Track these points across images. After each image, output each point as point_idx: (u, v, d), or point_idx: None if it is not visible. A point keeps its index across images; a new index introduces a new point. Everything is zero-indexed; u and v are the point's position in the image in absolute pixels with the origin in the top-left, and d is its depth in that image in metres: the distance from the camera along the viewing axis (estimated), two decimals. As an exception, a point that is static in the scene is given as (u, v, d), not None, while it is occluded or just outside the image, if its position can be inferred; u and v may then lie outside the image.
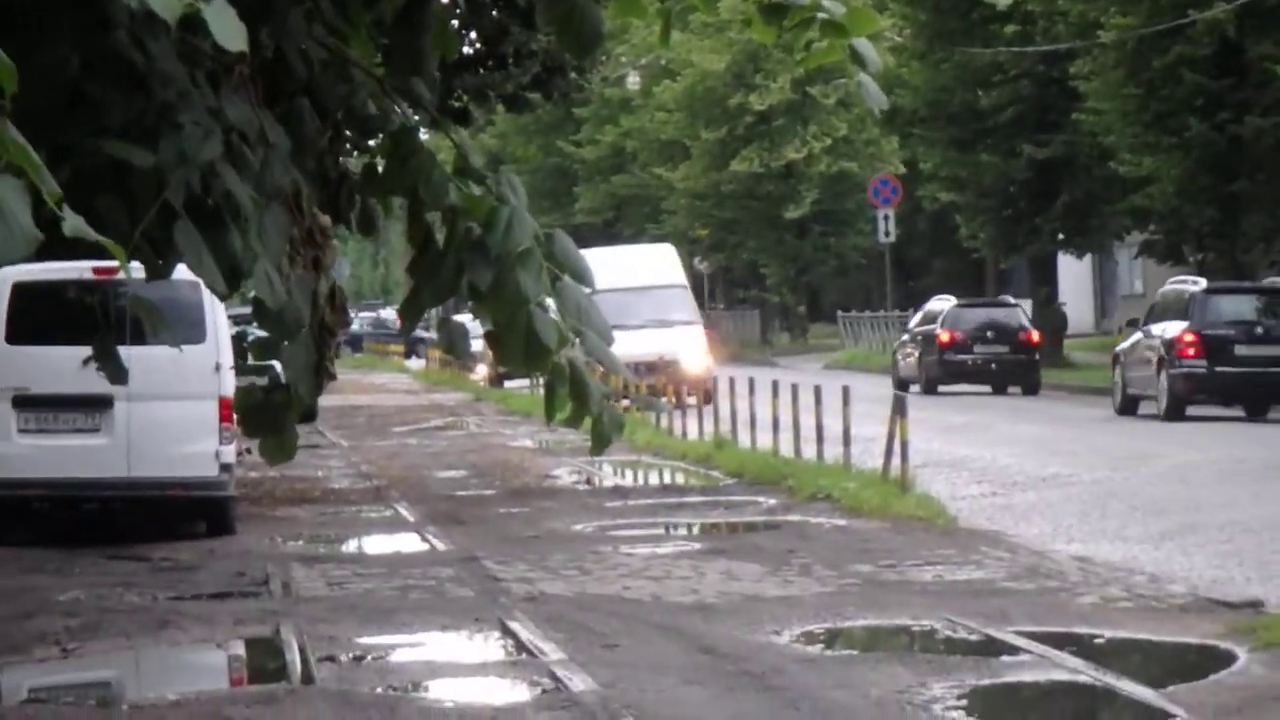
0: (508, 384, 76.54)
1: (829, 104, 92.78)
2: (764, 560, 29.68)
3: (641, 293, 64.36)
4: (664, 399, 54.90)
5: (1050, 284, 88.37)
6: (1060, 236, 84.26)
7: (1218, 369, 56.86)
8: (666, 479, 43.35)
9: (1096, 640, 22.87)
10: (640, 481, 42.96)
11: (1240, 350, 57.48)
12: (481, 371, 79.62)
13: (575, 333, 8.08)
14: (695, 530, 34.29)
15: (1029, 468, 42.50)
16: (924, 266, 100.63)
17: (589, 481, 43.05)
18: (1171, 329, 58.02)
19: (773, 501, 37.65)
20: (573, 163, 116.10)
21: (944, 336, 69.87)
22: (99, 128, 6.97)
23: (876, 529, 32.73)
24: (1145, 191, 71.01)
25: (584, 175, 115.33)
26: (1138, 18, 66.03)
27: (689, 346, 62.89)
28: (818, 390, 43.74)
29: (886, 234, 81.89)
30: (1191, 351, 56.63)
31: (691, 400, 55.09)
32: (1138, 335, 60.88)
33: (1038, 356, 70.53)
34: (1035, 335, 71.57)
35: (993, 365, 69.55)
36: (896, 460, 37.60)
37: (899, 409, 37.87)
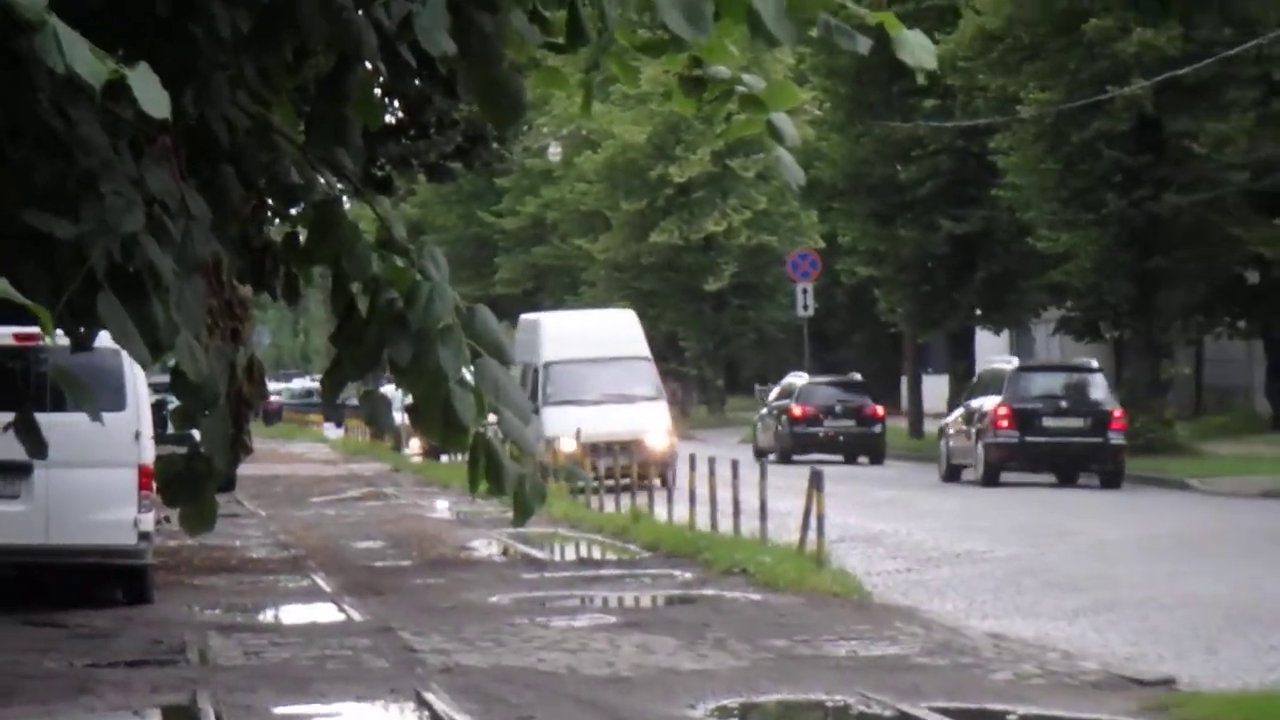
0: (444, 458, 74.14)
1: (749, 177, 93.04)
2: (679, 634, 29.70)
3: (603, 364, 60.82)
4: (611, 478, 51.89)
5: (968, 359, 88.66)
6: (978, 311, 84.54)
7: (1027, 439, 62.61)
8: (583, 551, 43.40)
9: (1009, 717, 22.95)
10: (557, 554, 42.97)
11: (1047, 422, 63.05)
12: (414, 445, 79.15)
13: (493, 410, 8.08)
14: (611, 603, 34.28)
15: (939, 539, 42.59)
16: (842, 340, 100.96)
17: (506, 553, 43.07)
18: (988, 403, 63.57)
19: (688, 575, 37.68)
20: (493, 233, 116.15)
21: (796, 410, 72.48)
22: (22, 195, 6.98)
23: (792, 603, 32.77)
24: (1063, 268, 71.27)
25: (504, 245, 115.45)
26: (1057, 93, 66.31)
27: (653, 425, 58.60)
28: (735, 464, 43.86)
29: (805, 307, 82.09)
30: (1004, 423, 62.31)
31: (656, 482, 52.66)
32: (960, 410, 66.49)
33: (880, 429, 73.19)
34: (880, 410, 74.66)
35: (840, 437, 72.00)
36: (813, 534, 37.70)
37: (816, 483, 37.95)
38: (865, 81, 73.44)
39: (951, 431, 66.75)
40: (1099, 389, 65.41)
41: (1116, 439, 63.15)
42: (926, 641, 28.42)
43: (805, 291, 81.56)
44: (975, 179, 75.41)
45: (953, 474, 63.24)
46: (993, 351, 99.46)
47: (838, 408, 73.16)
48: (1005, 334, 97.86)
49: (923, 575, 36.63)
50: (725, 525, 42.13)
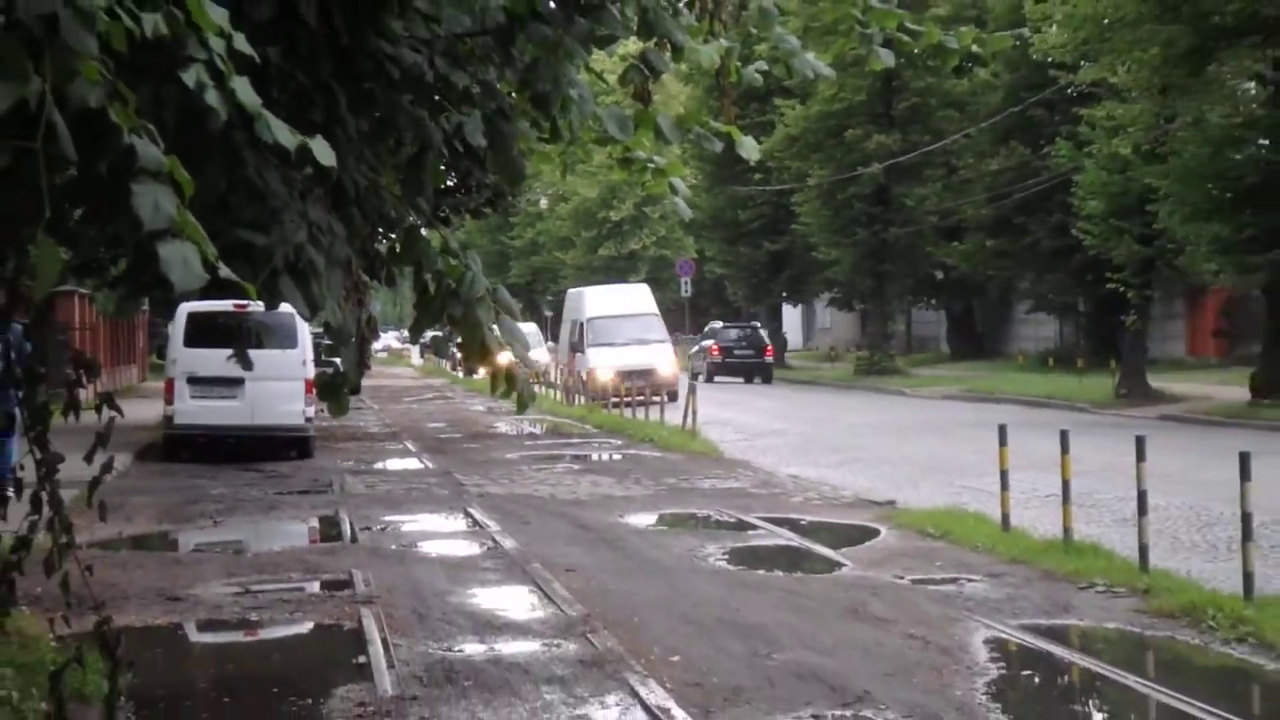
0: (478, 375, 73.45)
1: (656, 216, 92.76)
2: (614, 475, 29.70)
3: (626, 319, 55.82)
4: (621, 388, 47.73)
5: (778, 321, 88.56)
6: (784, 294, 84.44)
7: (725, 360, 69.20)
8: (558, 430, 43.28)
9: (802, 522, 22.94)
10: (545, 431, 42.88)
11: (735, 351, 69.39)
12: (463, 368, 78.82)
13: (509, 344, 8.11)
14: (576, 458, 34.23)
15: (762, 424, 42.59)
16: (708, 312, 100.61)
17: (516, 430, 42.94)
18: (708, 343, 70.44)
19: (619, 442, 37.64)
20: (507, 248, 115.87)
21: (714, 347, 69.70)
22: (235, 220, 6.99)
23: (679, 458, 32.77)
24: (832, 269, 71.33)
25: (514, 256, 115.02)
26: (829, 170, 66.26)
27: (662, 359, 54.02)
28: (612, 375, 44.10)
29: (686, 292, 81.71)
30: (715, 353, 69.16)
31: (663, 397, 47.84)
32: (697, 347, 73.50)
33: (770, 360, 70.13)
34: (770, 347, 71.61)
35: (743, 365, 68.76)
36: (690, 420, 37.73)
37: (692, 391, 38.01)
38: (721, 163, 73.31)
39: (696, 356, 71.21)
40: (759, 335, 71.00)
41: (767, 360, 69.50)
42: (754, 480, 28.41)
43: (686, 282, 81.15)
44: (783, 219, 75.30)
45: (696, 377, 61.36)
46: (792, 320, 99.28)
47: (743, 344, 69.69)
48: (800, 307, 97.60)
49: (753, 443, 36.55)
50: (641, 415, 42.19)
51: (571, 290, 63.85)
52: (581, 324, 56.24)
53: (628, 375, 48.96)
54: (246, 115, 5.49)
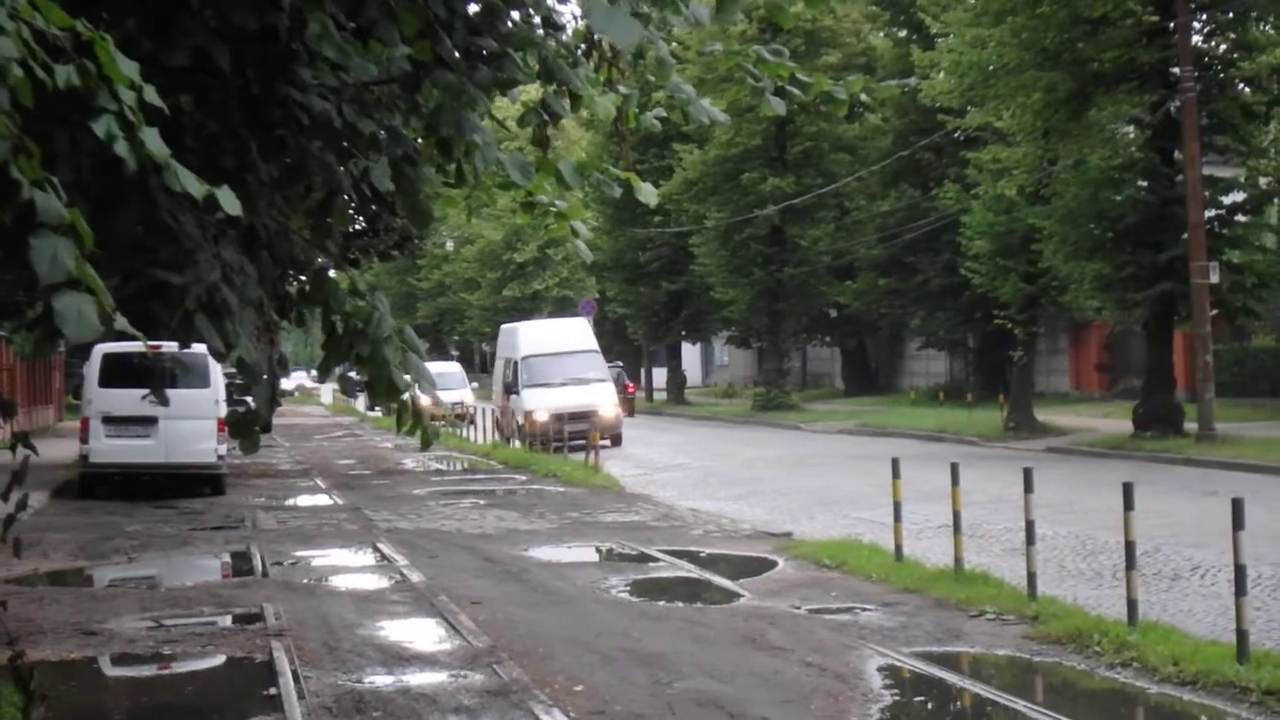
0: (376, 411, 72.59)
1: (559, 258, 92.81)
2: (519, 510, 29.65)
3: (563, 357, 50.20)
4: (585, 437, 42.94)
5: (677, 359, 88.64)
6: (683, 333, 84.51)
7: None
8: (465, 466, 43.19)
9: (702, 554, 22.96)
10: (451, 467, 42.78)
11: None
12: (362, 403, 78.29)
13: (414, 382, 8.11)
14: (481, 493, 34.16)
15: (663, 459, 42.64)
16: (609, 350, 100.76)
17: (423, 467, 42.79)
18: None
19: (524, 478, 37.59)
20: (415, 290, 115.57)
21: None
22: (152, 261, 6.98)
23: (581, 493, 32.76)
24: (729, 308, 71.39)
25: (421, 297, 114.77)
26: (726, 213, 66.40)
27: (603, 399, 48.69)
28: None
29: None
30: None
31: (606, 442, 44.39)
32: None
33: (631, 396, 71.21)
34: (631, 386, 73.93)
35: None
36: (593, 456, 37.72)
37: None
38: (621, 206, 73.44)
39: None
40: (620, 375, 69.39)
41: (628, 395, 69.19)
42: (655, 513, 28.42)
43: (588, 321, 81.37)
44: (681, 260, 75.44)
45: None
46: (691, 357, 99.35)
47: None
48: (698, 345, 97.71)
49: (653, 477, 36.60)
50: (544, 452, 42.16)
51: (505, 326, 58.75)
52: (516, 363, 51.19)
53: (567, 418, 45.38)
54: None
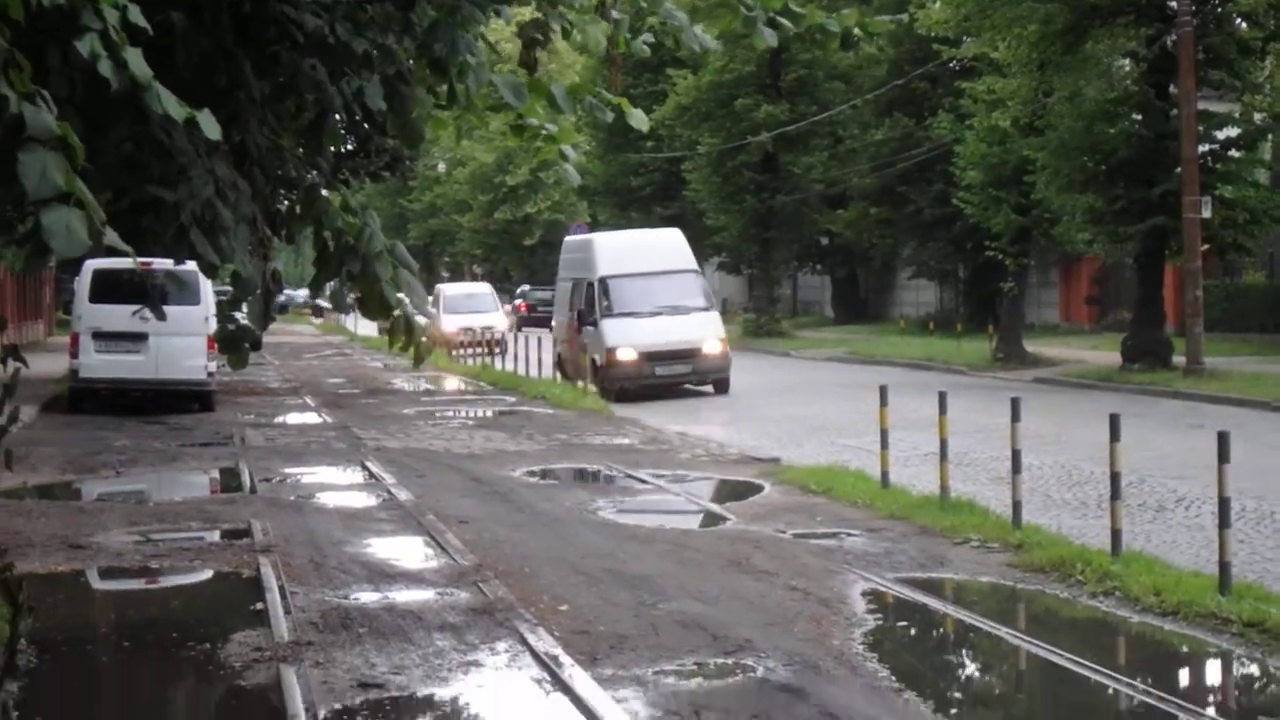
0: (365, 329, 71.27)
1: (551, 182, 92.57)
2: (507, 431, 29.70)
3: (654, 278, 39.05)
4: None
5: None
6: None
7: (531, 315, 66.66)
8: (454, 385, 43.22)
9: (689, 477, 23.05)
10: (440, 387, 42.81)
11: (538, 309, 65.93)
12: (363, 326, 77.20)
13: (405, 298, 8.13)
14: (470, 414, 34.22)
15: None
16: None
17: (412, 387, 42.81)
18: (518, 302, 68.80)
19: (512, 399, 37.59)
20: (406, 211, 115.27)
21: (522, 304, 71.27)
22: (145, 177, 6.99)
23: (570, 415, 32.79)
24: (721, 234, 71.24)
25: (412, 218, 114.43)
26: (719, 139, 66.13)
27: (707, 334, 38.09)
28: (539, 340, 44.04)
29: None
30: (523, 309, 67.96)
31: (708, 389, 38.40)
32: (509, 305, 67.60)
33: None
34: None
35: (546, 318, 66.22)
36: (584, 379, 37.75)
37: (583, 349, 38.03)
38: (614, 131, 73.14)
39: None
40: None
41: None
42: (643, 437, 28.46)
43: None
44: (674, 186, 75.22)
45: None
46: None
47: (547, 303, 64.88)
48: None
49: (642, 401, 36.61)
50: (534, 373, 42.19)
51: (573, 238, 46.95)
52: (592, 284, 39.57)
53: (661, 358, 37.31)
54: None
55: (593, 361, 38.61)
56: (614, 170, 79.49)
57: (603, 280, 39.02)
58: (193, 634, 12.94)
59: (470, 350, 53.32)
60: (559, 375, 41.86)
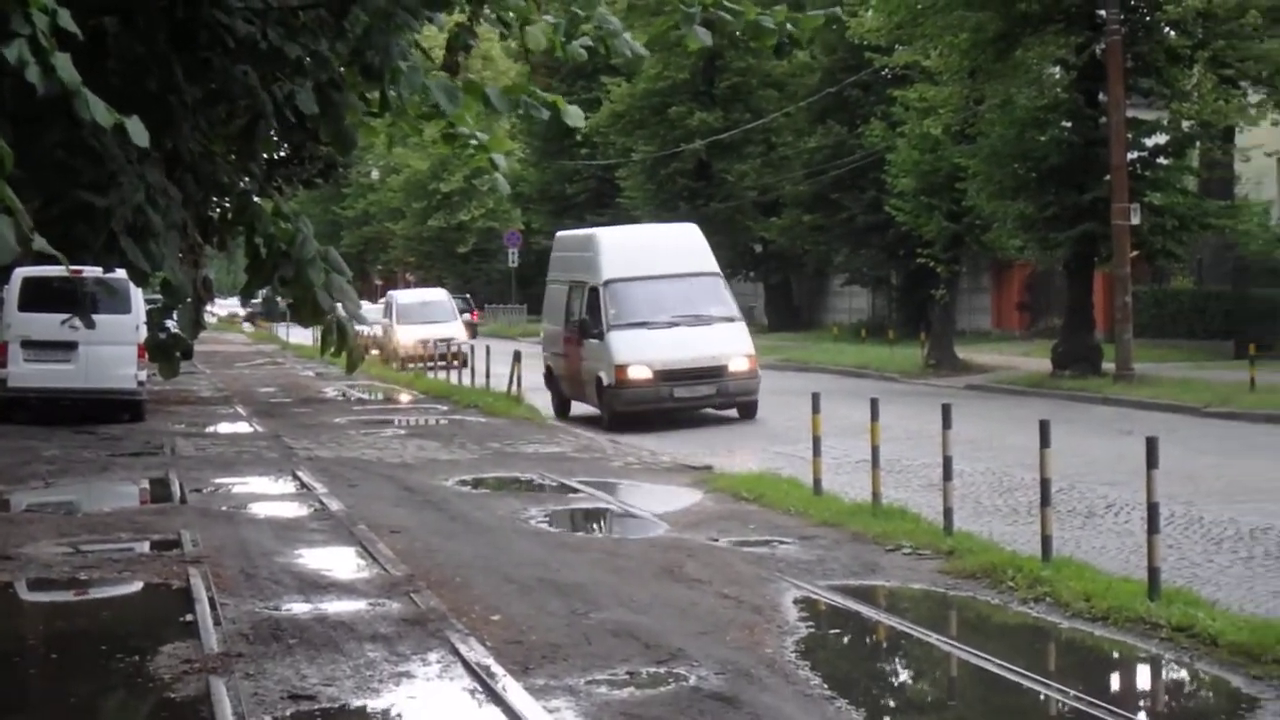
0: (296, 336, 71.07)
1: (485, 189, 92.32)
2: (440, 440, 29.64)
3: (669, 283, 33.06)
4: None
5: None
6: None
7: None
8: (387, 394, 43.12)
9: (621, 485, 23.07)
10: (373, 396, 42.71)
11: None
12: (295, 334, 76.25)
13: (338, 303, 8.12)
14: (403, 423, 34.14)
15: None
16: (536, 281, 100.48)
17: (344, 395, 42.68)
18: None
19: (445, 408, 37.51)
20: (339, 219, 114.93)
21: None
22: (76, 183, 6.95)
23: (503, 424, 32.74)
24: (655, 243, 71.23)
25: (346, 226, 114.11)
26: (653, 146, 66.30)
27: (734, 349, 32.40)
28: (472, 348, 43.91)
29: (513, 262, 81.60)
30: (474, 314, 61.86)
31: (732, 412, 32.83)
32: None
33: (474, 321, 69.52)
34: (476, 313, 72.36)
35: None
36: (515, 386, 37.67)
37: (517, 358, 37.90)
38: (549, 138, 73.30)
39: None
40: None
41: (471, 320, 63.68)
42: (575, 445, 28.45)
43: (513, 253, 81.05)
44: (609, 193, 75.28)
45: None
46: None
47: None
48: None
49: (575, 409, 36.63)
50: (467, 382, 42.11)
51: (566, 235, 40.30)
52: (597, 290, 33.15)
53: (680, 377, 31.49)
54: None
55: (598, 381, 32.49)
56: (549, 177, 79.58)
57: (609, 284, 32.92)
58: (122, 646, 12.88)
59: (427, 364, 48.98)
60: (554, 399, 36.42)
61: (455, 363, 45.32)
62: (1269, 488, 19.46)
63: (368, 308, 67.65)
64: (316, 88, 8.93)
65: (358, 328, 8.76)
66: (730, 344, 32.46)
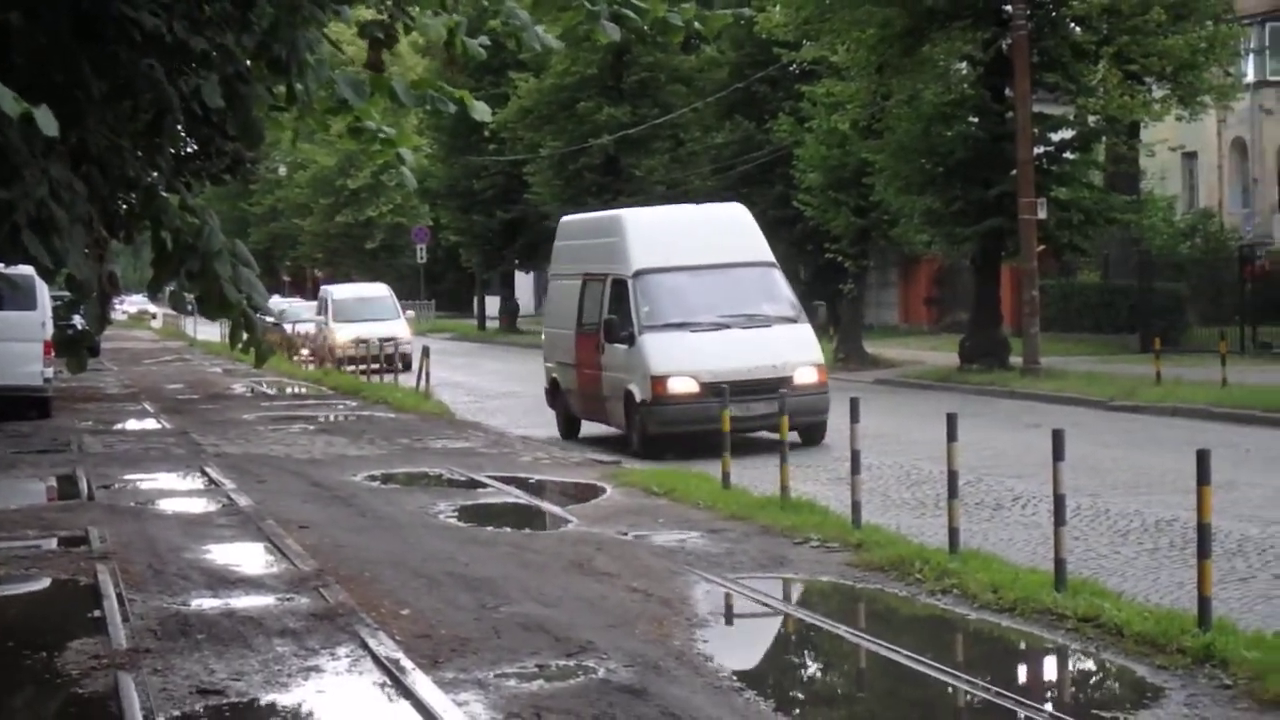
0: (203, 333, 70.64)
1: (393, 185, 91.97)
2: (349, 435, 29.58)
3: (717, 274, 27.06)
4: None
5: (511, 288, 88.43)
6: (517, 261, 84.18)
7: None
8: (296, 390, 42.93)
9: (531, 480, 23.05)
10: (282, 392, 42.53)
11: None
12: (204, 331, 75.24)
13: (245, 297, 8.11)
14: (311, 418, 34.02)
15: (494, 387, 42.65)
16: (443, 277, 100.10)
17: (252, 392, 42.49)
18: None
19: (354, 404, 37.43)
20: (247, 214, 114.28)
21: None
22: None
23: (412, 419, 32.69)
24: (564, 238, 71.14)
25: (254, 222, 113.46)
26: (561, 141, 66.24)
27: (801, 356, 26.17)
28: (380, 343, 43.75)
29: (421, 258, 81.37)
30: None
31: (793, 436, 22.71)
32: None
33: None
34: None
35: None
36: (424, 382, 37.62)
37: (425, 354, 37.86)
38: (457, 134, 73.15)
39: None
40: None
41: None
42: (485, 440, 28.45)
43: (421, 249, 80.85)
44: (517, 189, 75.04)
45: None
46: (525, 286, 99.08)
47: None
48: (532, 274, 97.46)
49: (484, 405, 36.64)
50: (376, 379, 42.01)
51: (577, 219, 34.51)
52: (623, 283, 27.11)
53: (734, 391, 22.39)
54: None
55: (626, 396, 26.44)
56: (456, 173, 79.27)
57: (641, 276, 26.90)
58: (30, 643, 12.81)
59: (367, 366, 44.21)
60: (559, 418, 30.14)
61: (399, 365, 42.73)
62: (1173, 480, 19.65)
63: (302, 305, 67.49)
64: (223, 81, 8.92)
65: (269, 320, 8.75)
66: (795, 350, 26.29)
